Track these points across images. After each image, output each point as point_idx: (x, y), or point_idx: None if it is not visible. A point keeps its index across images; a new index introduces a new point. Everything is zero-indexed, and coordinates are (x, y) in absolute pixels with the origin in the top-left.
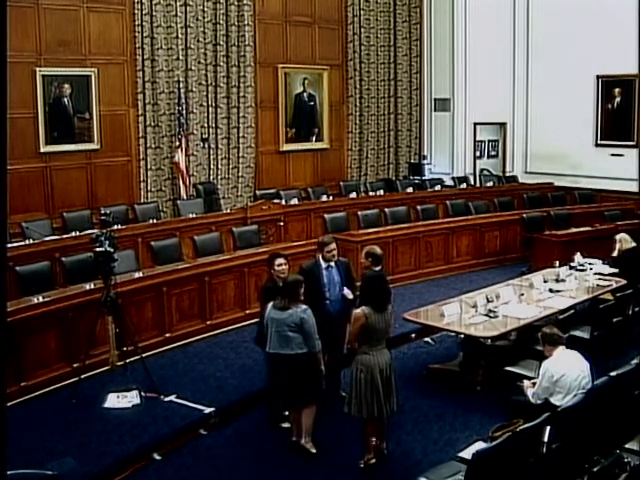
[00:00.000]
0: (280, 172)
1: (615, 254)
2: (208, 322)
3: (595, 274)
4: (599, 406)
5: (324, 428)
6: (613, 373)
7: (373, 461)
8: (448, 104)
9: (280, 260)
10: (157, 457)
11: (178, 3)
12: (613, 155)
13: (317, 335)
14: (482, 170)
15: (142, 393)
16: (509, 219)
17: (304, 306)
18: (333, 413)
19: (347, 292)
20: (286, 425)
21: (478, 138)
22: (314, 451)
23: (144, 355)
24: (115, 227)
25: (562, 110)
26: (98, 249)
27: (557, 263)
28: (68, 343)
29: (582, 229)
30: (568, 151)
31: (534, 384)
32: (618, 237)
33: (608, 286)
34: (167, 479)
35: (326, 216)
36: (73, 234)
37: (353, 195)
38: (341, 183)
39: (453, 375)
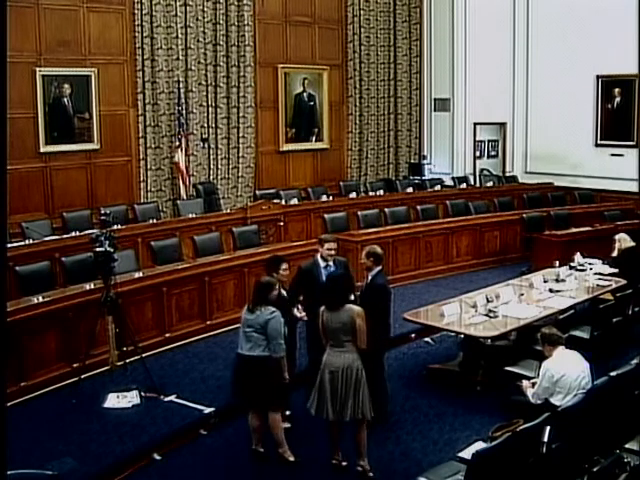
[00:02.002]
0: (280, 172)
1: (615, 254)
2: (208, 322)
3: (595, 274)
4: (599, 406)
5: (324, 430)
6: (613, 373)
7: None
8: (448, 104)
9: (286, 265)
10: (157, 457)
11: (178, 3)
12: (613, 155)
13: (282, 341)
14: (482, 170)
15: (142, 393)
16: (509, 219)
17: (272, 309)
18: None
19: None
20: (286, 425)
21: (478, 138)
22: (292, 459)
23: (144, 355)
24: (115, 227)
25: (562, 110)
26: (98, 249)
27: (557, 263)
28: (68, 343)
29: (582, 229)
30: (568, 151)
31: (533, 384)
32: (617, 237)
33: (608, 286)
34: (167, 479)
35: (326, 216)
36: (73, 234)
37: (353, 195)
38: (341, 183)
39: (453, 375)
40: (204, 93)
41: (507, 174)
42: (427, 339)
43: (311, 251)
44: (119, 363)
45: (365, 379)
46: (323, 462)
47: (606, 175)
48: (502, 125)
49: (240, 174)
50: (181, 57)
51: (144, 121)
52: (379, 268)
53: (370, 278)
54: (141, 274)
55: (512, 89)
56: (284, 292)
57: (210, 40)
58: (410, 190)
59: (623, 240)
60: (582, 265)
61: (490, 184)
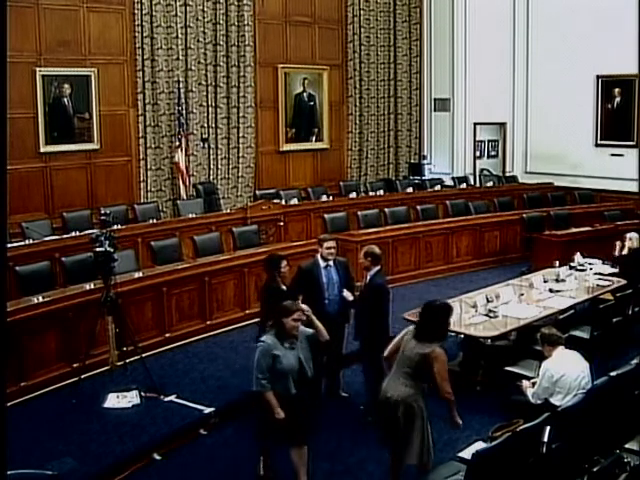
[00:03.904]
0: (280, 172)
1: (625, 252)
2: (208, 322)
3: (595, 274)
4: (599, 406)
5: (324, 429)
6: (613, 373)
7: None
8: (448, 104)
9: (285, 262)
10: (157, 457)
11: (178, 3)
12: (613, 155)
13: (260, 375)
14: (482, 170)
15: (142, 393)
16: (509, 219)
17: (264, 337)
18: (333, 415)
19: (347, 294)
20: None
21: (478, 138)
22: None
23: (144, 355)
24: (115, 227)
25: (562, 110)
26: (98, 249)
27: (557, 263)
28: (68, 343)
29: (582, 229)
30: (568, 151)
31: (533, 384)
32: (629, 235)
33: (608, 286)
34: (167, 479)
35: (326, 216)
36: (73, 234)
37: (353, 195)
38: (341, 183)
39: (453, 375)
40: (204, 93)
41: (507, 174)
42: None
43: (311, 251)
44: (119, 363)
45: (419, 423)
46: (322, 462)
47: (606, 175)
48: (502, 125)
49: (240, 174)
50: (181, 57)
51: (144, 121)
52: (378, 268)
53: (369, 278)
54: (141, 274)
55: (512, 89)
56: (284, 287)
57: (210, 40)
58: (410, 190)
59: (635, 239)
60: (582, 265)
61: (490, 184)
